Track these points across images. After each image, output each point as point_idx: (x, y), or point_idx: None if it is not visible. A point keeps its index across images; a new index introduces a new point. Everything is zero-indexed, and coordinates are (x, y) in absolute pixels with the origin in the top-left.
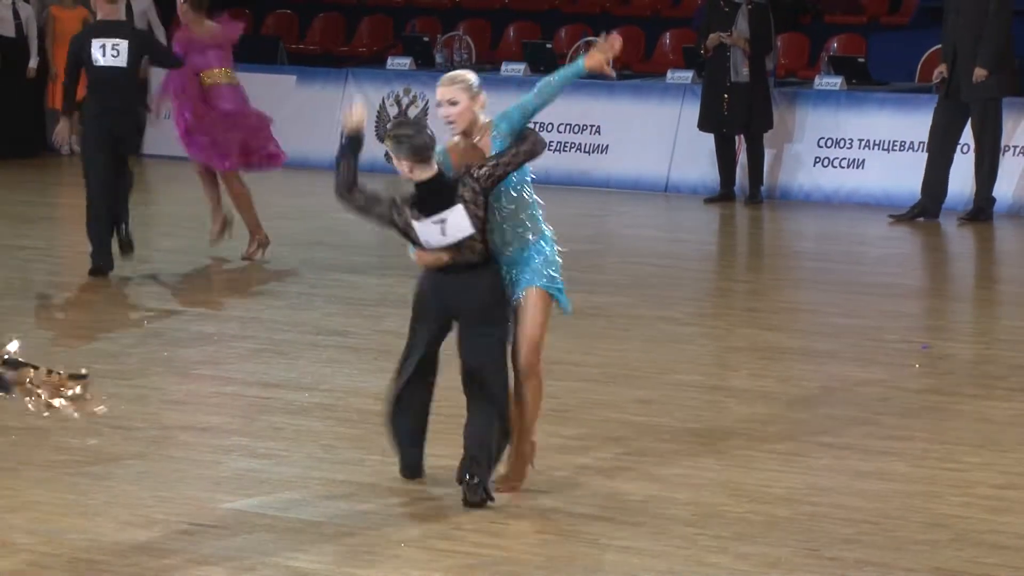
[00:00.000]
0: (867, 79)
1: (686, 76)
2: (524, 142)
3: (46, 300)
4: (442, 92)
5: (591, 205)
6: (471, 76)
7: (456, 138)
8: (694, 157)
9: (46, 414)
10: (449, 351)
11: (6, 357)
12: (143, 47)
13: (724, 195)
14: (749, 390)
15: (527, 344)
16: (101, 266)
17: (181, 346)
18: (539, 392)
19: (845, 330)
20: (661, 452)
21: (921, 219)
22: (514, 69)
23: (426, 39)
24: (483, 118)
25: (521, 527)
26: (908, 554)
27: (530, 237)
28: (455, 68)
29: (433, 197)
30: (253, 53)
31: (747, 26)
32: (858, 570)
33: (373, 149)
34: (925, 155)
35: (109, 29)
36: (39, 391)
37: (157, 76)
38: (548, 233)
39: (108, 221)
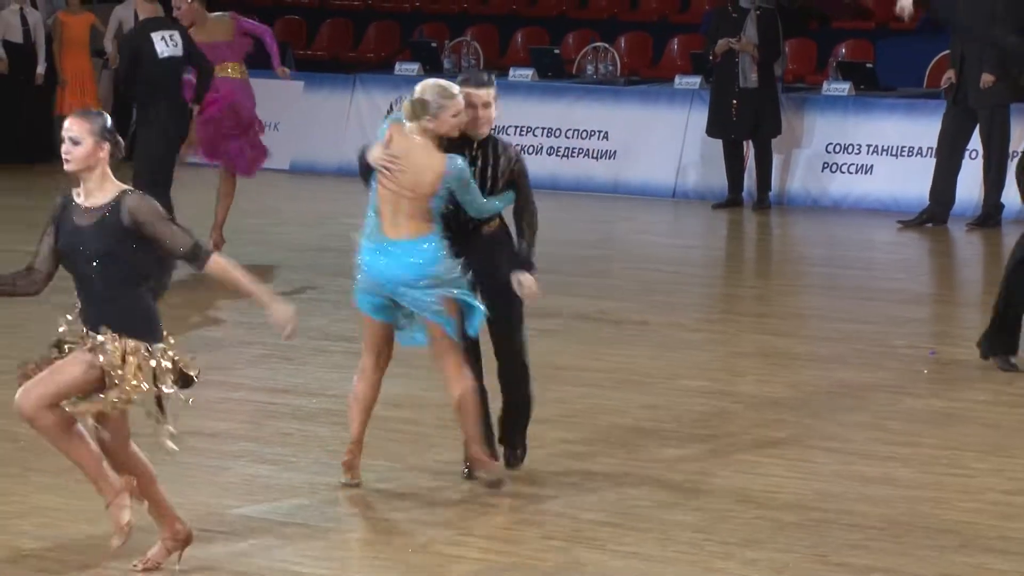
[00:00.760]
0: (875, 85)
1: (694, 82)
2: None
3: (53, 306)
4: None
5: (599, 211)
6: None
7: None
8: (702, 163)
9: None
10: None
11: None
12: (189, 40)
13: (732, 201)
14: (757, 395)
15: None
16: None
17: (188, 351)
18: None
19: (853, 335)
20: (668, 458)
21: (929, 225)
22: (522, 75)
23: (434, 45)
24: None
25: (528, 533)
26: (916, 560)
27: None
28: (463, 73)
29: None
30: (260, 59)
31: (755, 32)
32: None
33: None
34: (933, 161)
35: (160, 24)
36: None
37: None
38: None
39: None
